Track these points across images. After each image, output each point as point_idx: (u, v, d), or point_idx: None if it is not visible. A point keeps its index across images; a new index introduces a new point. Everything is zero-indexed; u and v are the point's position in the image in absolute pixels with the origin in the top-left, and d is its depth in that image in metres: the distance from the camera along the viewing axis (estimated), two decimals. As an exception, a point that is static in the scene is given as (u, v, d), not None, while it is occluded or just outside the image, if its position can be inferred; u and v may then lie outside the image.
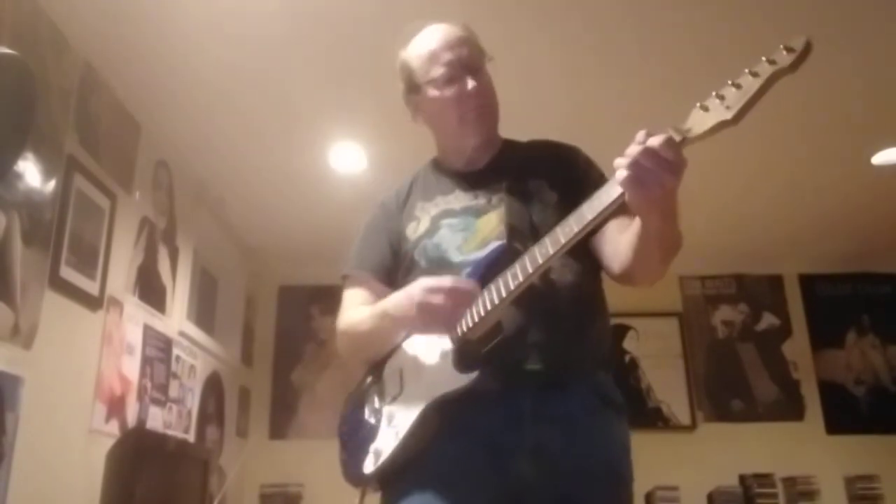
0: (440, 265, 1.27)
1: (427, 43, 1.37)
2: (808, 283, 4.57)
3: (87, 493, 2.27)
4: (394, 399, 1.25)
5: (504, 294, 1.10)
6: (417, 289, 1.16)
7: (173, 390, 3.06)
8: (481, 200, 1.32)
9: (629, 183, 0.96)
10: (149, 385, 2.81)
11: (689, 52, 2.48)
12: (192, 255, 3.38)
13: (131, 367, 2.67)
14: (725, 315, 4.55)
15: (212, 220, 3.64)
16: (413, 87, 1.39)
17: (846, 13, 2.32)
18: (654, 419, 4.30)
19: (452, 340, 1.17)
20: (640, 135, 0.97)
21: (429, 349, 1.21)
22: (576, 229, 1.04)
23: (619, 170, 0.97)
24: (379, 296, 1.31)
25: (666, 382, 4.35)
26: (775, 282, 4.59)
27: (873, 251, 4.33)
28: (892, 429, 4.16)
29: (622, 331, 4.47)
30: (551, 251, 1.06)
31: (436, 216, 1.34)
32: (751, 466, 4.04)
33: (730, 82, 0.93)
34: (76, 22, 2.26)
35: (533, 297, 1.15)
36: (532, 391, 1.16)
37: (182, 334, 3.19)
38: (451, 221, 1.31)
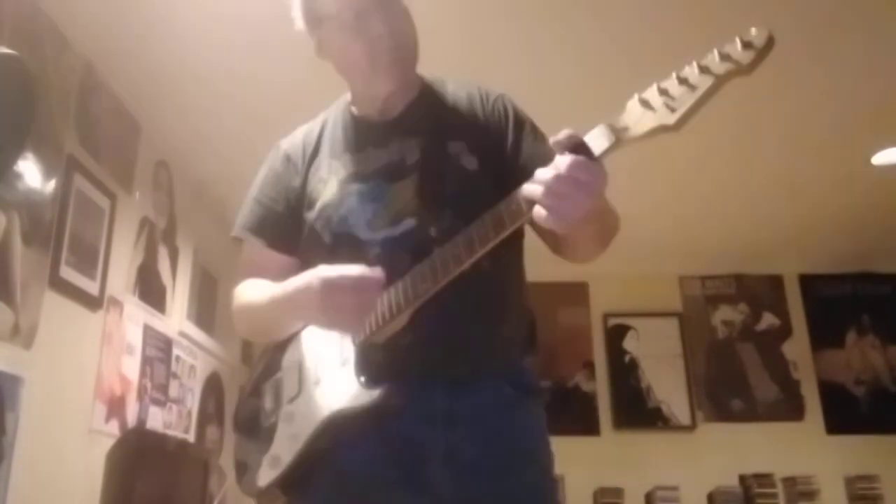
0: (346, 242, 1.14)
1: None
2: (808, 283, 4.57)
3: (87, 493, 2.27)
4: (292, 400, 1.13)
5: (411, 297, 1.02)
6: (317, 282, 1.02)
7: (173, 390, 3.06)
8: (395, 158, 1.17)
9: (544, 216, 0.90)
10: (149, 385, 2.81)
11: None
12: (192, 255, 3.38)
13: (131, 367, 2.67)
14: (725, 315, 4.54)
15: (212, 220, 3.64)
16: (314, 20, 1.22)
17: (846, 11, 2.31)
18: (654, 419, 4.30)
19: (355, 343, 1.08)
20: (560, 159, 0.89)
21: (329, 349, 1.11)
22: (491, 235, 0.97)
23: (533, 194, 0.91)
24: (275, 269, 1.20)
25: (666, 382, 4.35)
26: (775, 282, 4.58)
27: (873, 251, 4.33)
28: (892, 429, 4.15)
29: (622, 331, 4.47)
30: (464, 257, 0.99)
31: (344, 180, 1.19)
32: (751, 466, 4.04)
33: (675, 76, 0.82)
34: (76, 22, 2.26)
35: (443, 291, 1.02)
36: (442, 392, 1.07)
37: (182, 334, 3.19)
38: (360, 188, 1.16)
